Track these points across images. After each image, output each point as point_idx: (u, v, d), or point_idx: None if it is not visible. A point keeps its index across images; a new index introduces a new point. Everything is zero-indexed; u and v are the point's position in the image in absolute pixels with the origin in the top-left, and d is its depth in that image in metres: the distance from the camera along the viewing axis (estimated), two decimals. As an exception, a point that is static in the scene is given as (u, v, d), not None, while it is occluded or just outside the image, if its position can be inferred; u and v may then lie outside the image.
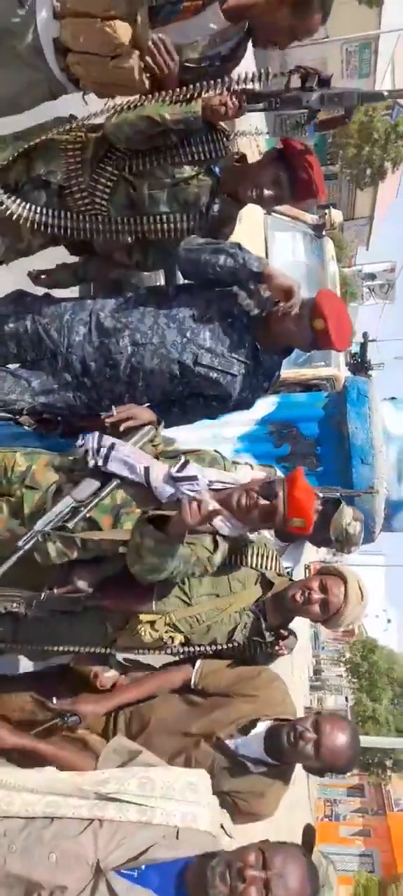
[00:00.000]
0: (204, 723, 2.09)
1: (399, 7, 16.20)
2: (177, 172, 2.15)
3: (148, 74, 2.02)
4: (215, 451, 2.21)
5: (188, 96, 2.01)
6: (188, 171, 2.16)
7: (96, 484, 1.99)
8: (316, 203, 2.21)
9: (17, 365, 2.34)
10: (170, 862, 1.48)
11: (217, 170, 2.20)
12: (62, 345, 2.23)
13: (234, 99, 2.03)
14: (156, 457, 2.10)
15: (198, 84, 2.00)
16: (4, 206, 2.14)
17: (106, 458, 1.98)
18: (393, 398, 4.61)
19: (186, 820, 1.55)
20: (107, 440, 2.01)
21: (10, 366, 2.34)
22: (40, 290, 2.42)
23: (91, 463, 1.98)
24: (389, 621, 36.24)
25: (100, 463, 1.97)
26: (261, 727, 2.06)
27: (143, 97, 2.04)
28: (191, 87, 2.01)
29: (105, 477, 2.00)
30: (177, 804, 1.56)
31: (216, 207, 2.20)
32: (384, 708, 23.79)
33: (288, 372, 5.19)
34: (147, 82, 2.04)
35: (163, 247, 2.28)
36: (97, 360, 2.23)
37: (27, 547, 1.91)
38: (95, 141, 2.18)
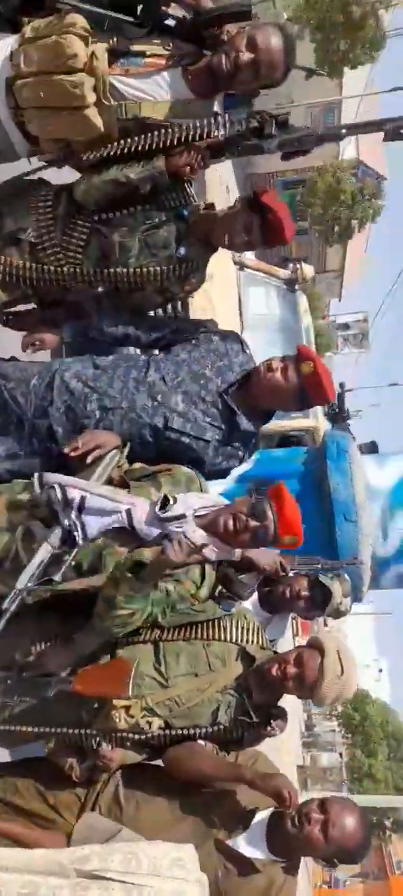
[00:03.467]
0: (200, 827, 1.92)
1: (359, 77, 17.08)
2: (147, 219, 2.14)
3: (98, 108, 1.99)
4: (188, 467, 2.12)
5: (147, 148, 1.99)
6: (157, 215, 2.14)
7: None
8: (284, 244, 2.26)
9: None
10: None
11: (185, 213, 2.18)
12: (29, 411, 2.15)
13: (199, 157, 2.05)
14: (122, 479, 2.03)
15: (156, 133, 1.99)
16: None
17: (82, 525, 1.89)
18: (374, 443, 4.56)
19: None
20: (75, 494, 1.89)
21: None
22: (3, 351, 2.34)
23: (64, 521, 1.88)
24: (381, 671, 35.84)
25: (77, 534, 1.89)
26: (261, 818, 1.94)
27: (102, 150, 2.01)
28: (150, 136, 1.99)
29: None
30: (164, 882, 1.46)
31: (184, 251, 2.17)
32: (380, 763, 23.18)
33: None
34: (100, 120, 1.99)
35: (131, 298, 2.23)
36: (64, 426, 2.14)
37: (13, 608, 1.81)
38: (66, 198, 2.17)
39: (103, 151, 2.01)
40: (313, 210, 18.97)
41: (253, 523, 1.88)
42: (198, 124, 1.99)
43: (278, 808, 1.92)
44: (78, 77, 1.94)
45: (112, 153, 2.02)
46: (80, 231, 2.14)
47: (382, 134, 2.09)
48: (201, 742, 2.08)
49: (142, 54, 2.03)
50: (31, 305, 2.36)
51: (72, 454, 2.00)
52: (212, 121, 2.01)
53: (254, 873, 1.90)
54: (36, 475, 2.00)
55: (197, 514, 1.93)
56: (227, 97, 2.17)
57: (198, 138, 1.99)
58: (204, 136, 2.00)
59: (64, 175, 2.25)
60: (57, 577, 1.84)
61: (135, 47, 2.03)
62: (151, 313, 2.39)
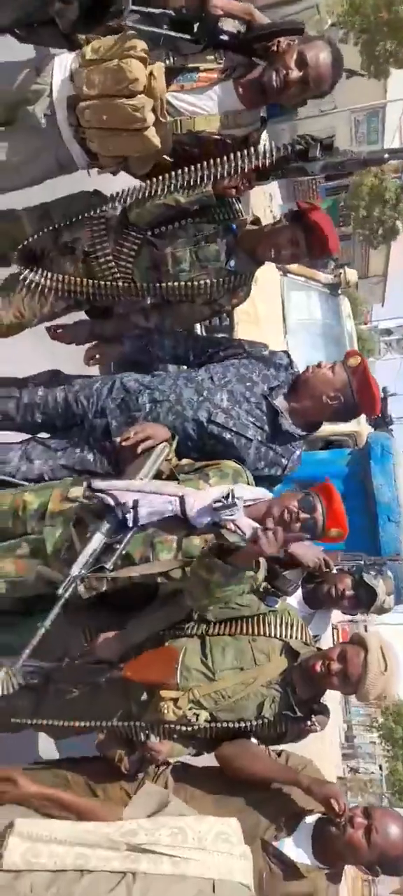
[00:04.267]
0: (248, 826, 1.92)
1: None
2: (198, 231, 2.21)
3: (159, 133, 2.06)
4: (235, 461, 2.16)
5: (199, 181, 2.08)
6: (207, 228, 2.21)
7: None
8: (330, 258, 2.35)
9: (48, 436, 2.36)
10: None
11: (234, 227, 2.25)
12: (90, 411, 2.27)
13: (245, 181, 2.13)
14: (172, 472, 2.08)
15: (206, 166, 2.07)
16: (28, 280, 2.21)
17: (135, 520, 1.94)
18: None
19: (221, 872, 1.47)
20: (128, 499, 1.94)
21: (41, 435, 2.36)
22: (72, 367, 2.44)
23: (119, 513, 1.94)
24: (422, 683, 34.85)
25: (129, 518, 1.93)
26: (308, 822, 1.98)
27: (156, 184, 2.09)
28: (200, 170, 2.07)
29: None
30: (210, 855, 1.49)
31: (233, 263, 2.24)
32: (421, 777, 22.57)
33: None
34: (158, 139, 2.07)
35: (179, 309, 2.31)
36: (117, 418, 2.24)
37: (67, 594, 1.87)
38: (120, 211, 2.25)
39: (158, 186, 2.09)
40: (357, 212, 18.71)
41: (303, 514, 1.93)
42: (245, 156, 2.06)
43: (325, 815, 1.96)
44: (138, 101, 2.01)
45: (164, 186, 2.10)
46: (132, 241, 2.21)
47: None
48: (255, 741, 2.13)
49: (196, 69, 2.11)
50: (79, 317, 2.45)
51: (124, 443, 2.08)
52: (260, 150, 2.08)
53: (299, 878, 1.92)
54: (84, 483, 2.05)
55: (246, 504, 1.97)
56: (271, 105, 2.23)
57: (246, 169, 2.07)
58: (252, 167, 2.08)
59: (118, 182, 2.33)
60: (108, 566, 1.89)
61: (190, 63, 2.11)
62: (198, 327, 2.47)
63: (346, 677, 2.03)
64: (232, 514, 1.89)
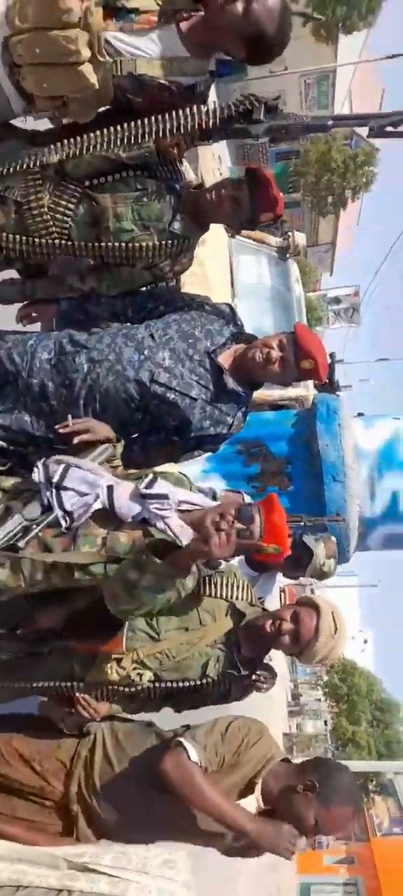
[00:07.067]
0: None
1: (354, 43, 16.80)
2: (140, 186, 2.11)
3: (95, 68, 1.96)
4: (180, 472, 2.12)
5: (140, 136, 2.01)
6: (150, 184, 2.12)
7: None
8: (275, 218, 2.28)
9: None
10: None
11: (178, 187, 2.17)
12: (24, 369, 2.15)
13: (187, 139, 2.06)
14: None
15: (148, 122, 2.00)
16: None
17: (58, 489, 1.84)
18: (361, 413, 4.60)
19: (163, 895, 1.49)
20: (58, 466, 1.87)
21: None
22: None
23: (45, 499, 1.85)
24: (366, 642, 36.49)
25: (55, 505, 1.84)
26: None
27: (95, 138, 2.01)
28: (142, 126, 2.00)
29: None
30: (153, 879, 1.50)
31: (177, 226, 2.16)
32: (364, 730, 23.71)
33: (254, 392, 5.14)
34: (95, 77, 1.97)
35: (118, 273, 2.22)
36: (54, 380, 2.14)
37: None
38: (57, 161, 2.11)
39: (97, 140, 2.01)
40: (306, 179, 18.76)
41: (238, 525, 1.82)
42: (188, 114, 1.99)
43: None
44: (72, 32, 1.90)
45: (103, 140, 2.01)
46: (71, 194, 2.09)
47: (377, 96, 2.09)
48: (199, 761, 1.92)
49: (136, 11, 2.00)
50: (8, 275, 2.32)
51: (62, 431, 1.98)
52: (202, 110, 2.01)
53: None
54: (13, 480, 1.95)
55: (181, 507, 1.91)
56: (221, 64, 2.14)
57: (188, 127, 2.00)
58: (195, 125, 2.00)
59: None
60: (21, 545, 1.81)
61: (129, 3, 1.99)
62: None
63: (297, 638, 2.03)
64: (162, 508, 1.82)
